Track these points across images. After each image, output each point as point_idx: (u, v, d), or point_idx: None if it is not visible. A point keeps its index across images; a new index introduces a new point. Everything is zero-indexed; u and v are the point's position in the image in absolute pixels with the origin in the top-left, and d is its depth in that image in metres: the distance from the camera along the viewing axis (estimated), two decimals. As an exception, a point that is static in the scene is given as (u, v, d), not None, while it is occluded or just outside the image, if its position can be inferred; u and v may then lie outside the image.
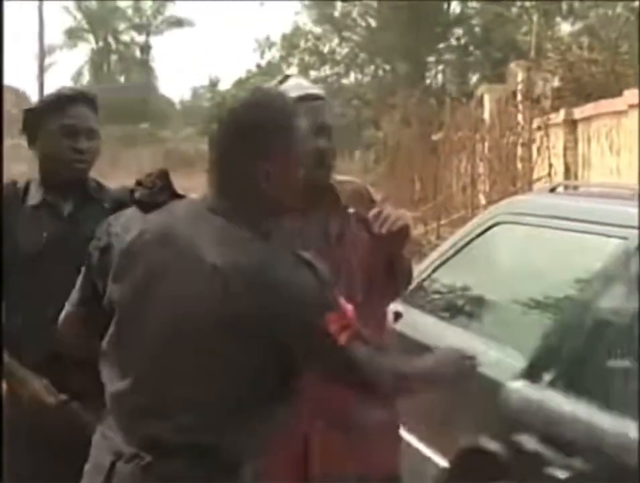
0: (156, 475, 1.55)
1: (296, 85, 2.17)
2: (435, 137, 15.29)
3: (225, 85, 41.61)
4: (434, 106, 16.24)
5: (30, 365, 2.39)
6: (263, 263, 1.62)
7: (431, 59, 22.90)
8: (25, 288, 2.43)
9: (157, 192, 2.17)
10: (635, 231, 2.63)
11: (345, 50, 22.86)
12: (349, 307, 1.70)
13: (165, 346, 1.63)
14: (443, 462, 3.11)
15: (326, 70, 23.28)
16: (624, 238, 2.68)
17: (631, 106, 7.49)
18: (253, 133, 1.66)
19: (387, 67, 22.79)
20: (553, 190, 3.33)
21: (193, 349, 1.61)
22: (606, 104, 8.39)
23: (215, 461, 1.59)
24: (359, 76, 23.57)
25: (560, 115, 10.29)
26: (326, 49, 22.82)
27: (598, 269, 2.71)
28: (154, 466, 1.55)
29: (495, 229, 3.30)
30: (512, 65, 13.75)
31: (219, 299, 1.59)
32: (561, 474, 2.33)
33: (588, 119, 9.66)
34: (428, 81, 21.75)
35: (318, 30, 22.88)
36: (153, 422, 1.59)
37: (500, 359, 2.88)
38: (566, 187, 3.40)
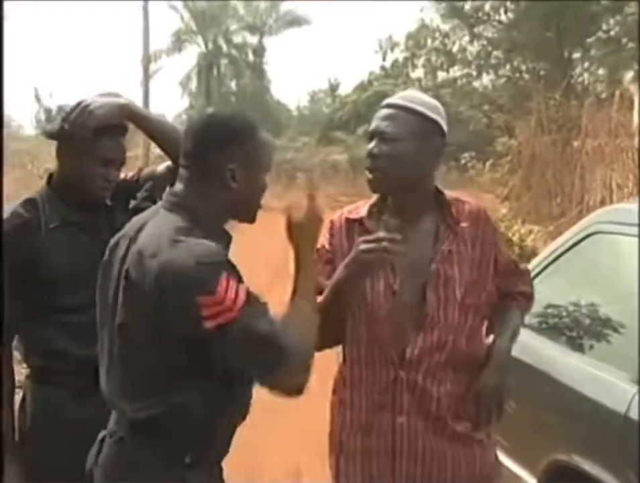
0: (126, 446, 2.21)
1: (402, 95, 2.72)
2: (576, 144, 15.29)
3: (345, 89, 42.31)
4: (576, 110, 16.20)
5: (74, 368, 2.84)
6: (157, 251, 2.10)
7: (577, 55, 22.71)
8: (66, 303, 2.87)
9: (140, 201, 2.94)
10: None
11: (477, 48, 22.89)
12: (236, 293, 2.07)
13: (112, 338, 2.25)
14: (532, 480, 3.37)
15: (455, 71, 23.37)
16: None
17: None
18: (222, 141, 2.24)
19: (524, 67, 22.70)
20: (652, 199, 3.54)
21: (126, 341, 2.20)
22: None
23: (165, 441, 2.19)
24: (493, 78, 23.54)
25: None
26: (455, 48, 22.88)
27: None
28: (125, 439, 2.22)
29: (593, 238, 3.54)
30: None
31: (132, 289, 2.15)
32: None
33: None
34: (572, 81, 21.51)
35: (446, 27, 22.99)
36: (120, 404, 2.23)
37: (599, 377, 3.13)
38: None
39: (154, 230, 2.19)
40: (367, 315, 2.63)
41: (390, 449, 2.61)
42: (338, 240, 2.75)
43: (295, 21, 38.32)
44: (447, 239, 2.64)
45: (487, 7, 22.39)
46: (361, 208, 2.76)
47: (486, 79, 23.57)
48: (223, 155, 2.23)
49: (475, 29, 22.68)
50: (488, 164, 18.77)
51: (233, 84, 40.05)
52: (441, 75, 23.71)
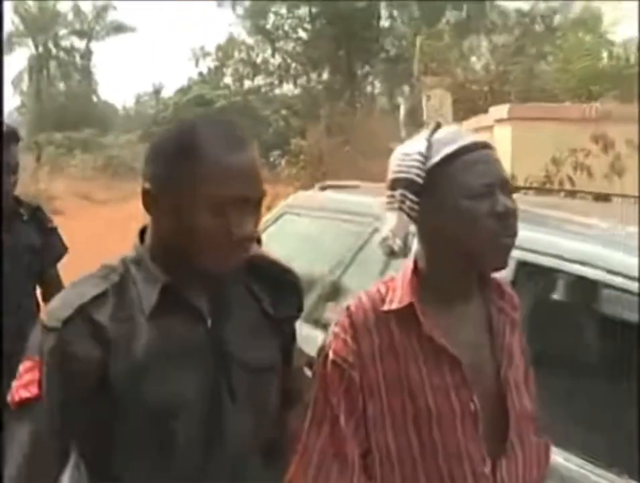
0: None
1: (454, 134, 1.72)
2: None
3: (168, 92, 42.39)
4: (362, 117, 17.42)
5: None
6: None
7: (364, 70, 24.08)
8: None
9: None
10: (368, 219, 3.62)
11: (278, 61, 23.83)
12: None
13: None
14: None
15: (259, 80, 24.22)
16: (361, 224, 3.58)
17: (497, 121, 8.60)
18: (149, 155, 1.62)
19: (318, 78, 23.87)
20: (324, 188, 4.41)
21: None
22: (475, 120, 9.56)
23: None
24: (292, 87, 24.60)
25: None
26: (259, 60, 23.72)
27: (344, 251, 3.69)
28: None
29: (283, 218, 4.33)
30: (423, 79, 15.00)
31: None
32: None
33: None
34: (358, 92, 22.85)
35: (251, 41, 23.81)
36: None
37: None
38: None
39: None
40: (434, 449, 1.65)
41: None
42: (368, 343, 1.69)
43: (121, 28, 38.13)
44: (506, 331, 1.77)
45: (286, 25, 23.37)
46: (391, 293, 1.73)
47: (286, 88, 24.56)
48: (146, 171, 1.60)
49: (277, 44, 23.58)
50: (284, 161, 19.77)
51: (62, 85, 39.37)
52: (248, 83, 24.51)
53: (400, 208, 1.68)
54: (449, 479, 1.63)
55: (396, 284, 1.72)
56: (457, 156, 1.65)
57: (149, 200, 1.59)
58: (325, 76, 23.62)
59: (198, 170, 1.53)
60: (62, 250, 3.30)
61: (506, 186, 1.66)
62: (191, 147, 1.55)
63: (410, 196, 1.66)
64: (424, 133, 1.71)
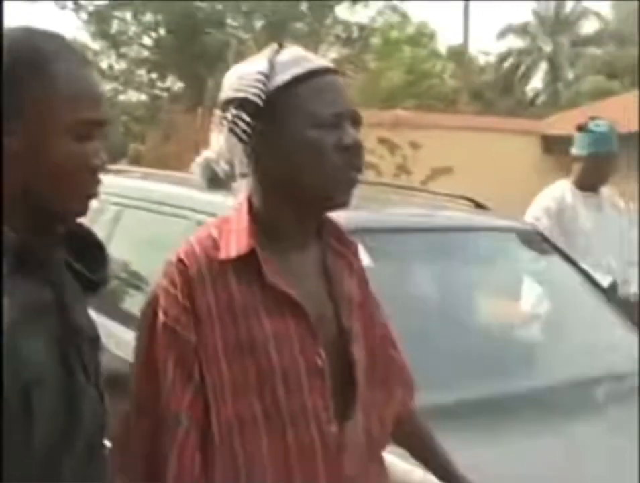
0: None
1: (301, 56, 1.55)
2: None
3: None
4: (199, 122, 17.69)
5: None
6: None
7: (206, 78, 24.30)
8: None
9: None
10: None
11: (123, 67, 23.73)
12: None
13: None
14: None
15: (105, 86, 24.03)
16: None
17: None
18: None
19: (163, 85, 23.94)
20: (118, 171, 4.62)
21: None
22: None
23: None
24: (137, 93, 24.53)
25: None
26: (104, 65, 23.56)
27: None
28: None
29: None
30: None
31: None
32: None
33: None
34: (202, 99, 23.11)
35: (96, 46, 23.62)
36: None
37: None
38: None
39: None
40: (278, 409, 1.49)
41: None
42: (204, 300, 1.49)
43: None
44: (344, 276, 1.61)
45: (131, 32, 23.28)
46: (226, 237, 1.53)
47: (131, 94, 24.43)
48: None
49: (121, 50, 23.45)
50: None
51: None
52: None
53: (231, 130, 1.50)
54: (294, 441, 1.48)
55: (230, 227, 1.53)
56: (304, 80, 1.50)
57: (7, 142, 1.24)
58: (170, 83, 23.74)
59: (56, 90, 1.27)
60: None
61: (355, 118, 1.53)
62: (42, 64, 1.26)
63: (244, 117, 1.49)
64: (265, 53, 1.55)
